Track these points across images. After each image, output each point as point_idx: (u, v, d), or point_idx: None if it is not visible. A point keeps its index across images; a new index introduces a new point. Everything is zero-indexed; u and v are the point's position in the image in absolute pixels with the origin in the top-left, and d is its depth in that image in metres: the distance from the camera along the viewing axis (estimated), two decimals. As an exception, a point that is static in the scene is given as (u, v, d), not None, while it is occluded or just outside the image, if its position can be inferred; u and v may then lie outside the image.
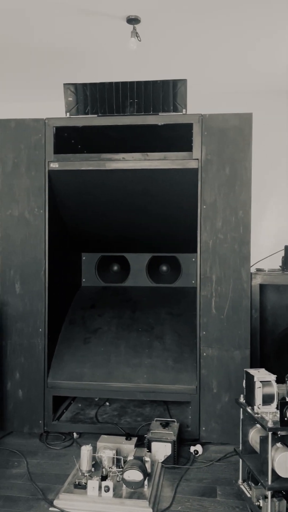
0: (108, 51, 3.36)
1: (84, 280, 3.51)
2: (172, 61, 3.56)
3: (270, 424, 1.75)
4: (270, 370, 2.07)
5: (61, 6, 2.72)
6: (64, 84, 2.70)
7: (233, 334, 2.60)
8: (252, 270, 2.74)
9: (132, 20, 2.82)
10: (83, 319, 3.12)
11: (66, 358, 2.83)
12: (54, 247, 2.85)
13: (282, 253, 2.89)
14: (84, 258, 3.52)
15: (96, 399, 3.12)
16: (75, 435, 2.71)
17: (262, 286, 2.79)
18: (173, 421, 2.56)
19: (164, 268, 3.49)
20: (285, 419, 1.75)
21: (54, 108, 3.31)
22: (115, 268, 3.54)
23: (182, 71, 3.71)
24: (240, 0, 2.73)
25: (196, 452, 2.49)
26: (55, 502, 1.98)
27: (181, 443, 2.55)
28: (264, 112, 3.79)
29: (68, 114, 2.72)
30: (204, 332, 2.62)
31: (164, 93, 2.63)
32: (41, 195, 2.73)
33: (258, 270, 2.80)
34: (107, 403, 3.07)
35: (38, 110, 3.58)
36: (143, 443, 2.42)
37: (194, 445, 2.53)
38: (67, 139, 2.84)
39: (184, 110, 2.65)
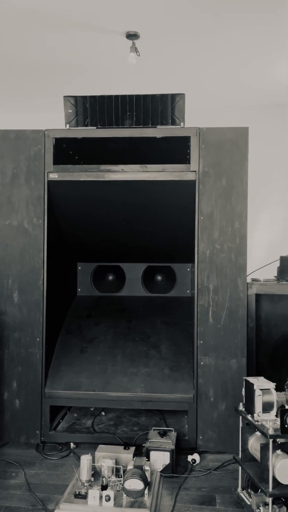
0: (108, 65, 3.43)
1: (79, 289, 3.52)
2: (170, 75, 3.65)
3: (271, 432, 1.78)
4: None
5: (63, 21, 2.78)
6: (64, 96, 2.74)
7: (229, 343, 2.64)
8: (248, 280, 2.79)
9: (132, 36, 2.88)
10: (79, 328, 3.13)
11: (63, 368, 2.83)
12: (52, 256, 2.87)
13: (277, 264, 2.95)
14: (79, 267, 3.54)
15: (92, 409, 3.12)
16: (72, 445, 2.71)
17: (257, 296, 2.84)
18: (171, 430, 2.57)
19: (159, 278, 3.52)
20: (286, 426, 1.78)
21: (54, 120, 3.35)
22: (111, 277, 3.56)
23: (179, 85, 3.79)
24: (235, 22, 2.82)
25: (194, 461, 2.50)
26: (56, 512, 1.97)
27: (179, 452, 2.56)
28: (257, 126, 3.89)
29: (67, 125, 2.76)
30: (201, 341, 2.66)
31: (162, 107, 2.69)
32: (40, 205, 2.75)
33: (254, 280, 2.85)
34: (103, 413, 3.07)
35: (38, 121, 3.62)
36: (141, 452, 2.43)
37: (192, 454, 2.54)
38: (66, 151, 2.87)
39: (182, 124, 2.71)
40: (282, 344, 2.87)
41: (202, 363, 2.65)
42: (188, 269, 3.44)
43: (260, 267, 3.00)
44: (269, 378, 2.24)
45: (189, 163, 2.68)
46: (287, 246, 4.24)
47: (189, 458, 2.51)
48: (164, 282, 3.51)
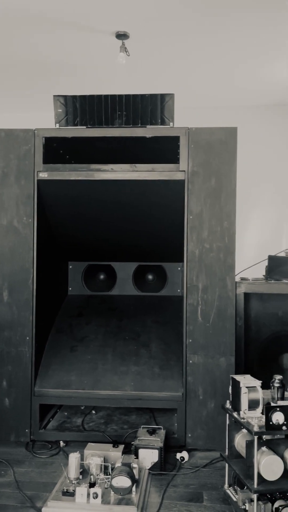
0: (98, 65, 3.44)
1: (70, 288, 3.53)
2: (160, 75, 3.66)
3: (256, 429, 1.80)
4: (253, 377, 2.13)
5: (52, 21, 2.79)
6: (54, 96, 2.75)
7: (218, 341, 2.66)
8: (237, 279, 2.81)
9: (121, 36, 2.90)
10: (70, 327, 3.14)
11: (53, 367, 2.84)
12: (42, 255, 2.88)
13: (266, 263, 2.97)
14: (70, 266, 3.55)
15: (82, 407, 3.13)
16: (61, 443, 2.71)
17: (246, 295, 2.86)
18: (160, 428, 2.59)
19: (150, 277, 3.54)
20: (271, 423, 1.81)
21: (44, 119, 3.35)
22: (102, 276, 3.57)
23: (170, 85, 3.81)
24: (228, 22, 2.83)
25: (183, 458, 2.52)
26: (44, 510, 1.98)
27: (168, 450, 2.57)
28: (249, 126, 3.93)
29: (57, 125, 2.77)
30: (190, 340, 2.68)
31: (152, 106, 2.71)
32: (30, 204, 2.76)
33: (243, 279, 2.87)
34: (93, 411, 3.08)
35: (28, 121, 3.63)
36: (130, 450, 2.45)
37: (181, 451, 2.56)
38: (56, 150, 2.87)
39: (171, 123, 2.73)
40: (271, 343, 2.90)
41: (191, 361, 2.67)
42: (179, 268, 3.45)
43: (248, 267, 3.02)
44: (258, 376, 2.26)
45: (178, 162, 2.69)
46: (276, 246, 4.27)
47: (178, 455, 2.53)
48: (155, 281, 3.53)
